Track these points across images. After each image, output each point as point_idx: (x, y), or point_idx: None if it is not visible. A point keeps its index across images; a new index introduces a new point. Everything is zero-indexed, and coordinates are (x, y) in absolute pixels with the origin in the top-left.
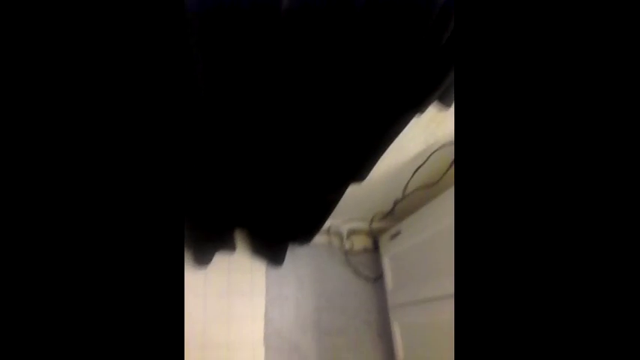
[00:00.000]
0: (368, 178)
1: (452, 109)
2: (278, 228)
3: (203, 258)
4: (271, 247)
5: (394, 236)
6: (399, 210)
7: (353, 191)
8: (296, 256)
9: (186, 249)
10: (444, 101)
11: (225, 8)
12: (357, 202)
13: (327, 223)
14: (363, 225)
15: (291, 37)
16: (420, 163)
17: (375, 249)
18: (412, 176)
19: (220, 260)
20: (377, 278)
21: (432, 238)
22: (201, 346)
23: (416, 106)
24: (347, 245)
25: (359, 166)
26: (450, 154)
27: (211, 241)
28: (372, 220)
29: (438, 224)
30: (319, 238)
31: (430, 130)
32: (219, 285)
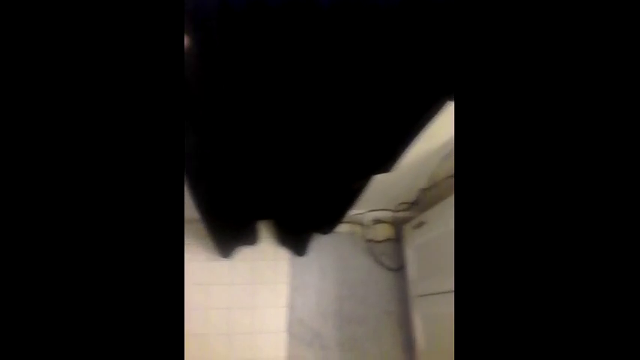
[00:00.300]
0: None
1: None
2: (301, 218)
3: (225, 250)
4: (295, 237)
5: (418, 226)
6: (425, 199)
7: (378, 180)
8: (319, 244)
9: (209, 240)
10: None
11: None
12: (382, 191)
13: (350, 212)
14: (386, 214)
15: (326, 25)
16: (449, 150)
17: (398, 239)
18: (440, 164)
19: (245, 249)
20: (399, 268)
21: None
22: (227, 333)
23: (451, 91)
24: (370, 234)
25: (387, 156)
26: None
27: (232, 233)
28: (396, 210)
29: None
30: (342, 227)
31: None
32: (244, 273)
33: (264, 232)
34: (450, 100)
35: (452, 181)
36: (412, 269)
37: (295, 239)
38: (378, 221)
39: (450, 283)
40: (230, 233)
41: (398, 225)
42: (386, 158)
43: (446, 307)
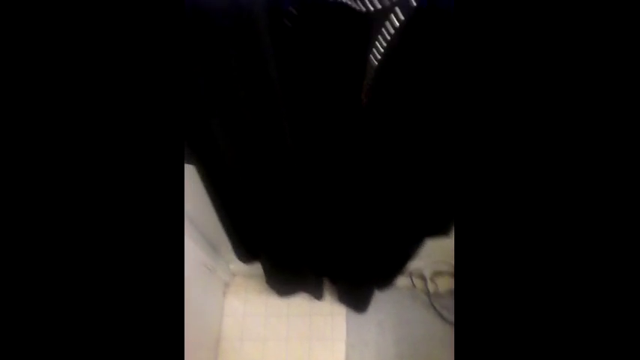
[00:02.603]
0: None
1: None
2: (362, 275)
3: (286, 291)
4: (356, 293)
5: None
6: None
7: None
8: (376, 300)
9: (269, 284)
10: None
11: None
12: (441, 245)
13: (409, 266)
14: (447, 266)
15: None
16: None
17: None
18: None
19: (302, 304)
20: None
21: None
22: None
23: None
24: (431, 288)
25: (446, 221)
26: None
27: (298, 283)
28: None
29: None
30: (400, 281)
31: None
32: (301, 328)
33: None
34: None
35: None
36: None
37: (356, 296)
38: (439, 273)
39: None
40: (293, 284)
41: None
42: (445, 223)
43: None
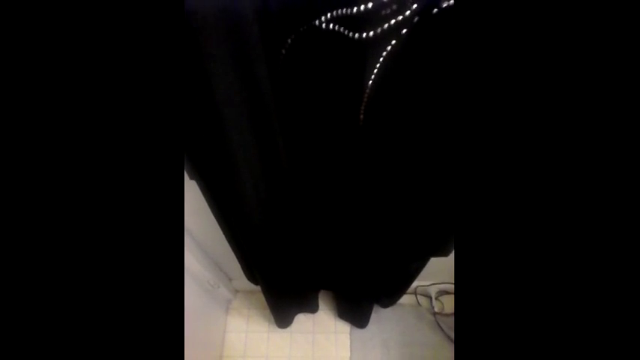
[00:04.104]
0: None
1: None
2: (360, 290)
3: (284, 320)
4: (355, 308)
5: None
6: None
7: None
8: (381, 317)
9: (269, 310)
10: None
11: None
12: (446, 265)
13: (414, 284)
14: (454, 286)
15: None
16: None
17: None
18: None
19: (305, 321)
20: None
21: None
22: None
23: None
24: (436, 307)
25: (446, 241)
26: None
27: (294, 303)
28: None
29: None
30: (406, 299)
31: None
32: (304, 346)
33: (324, 304)
34: None
35: None
36: None
37: (356, 312)
38: (445, 292)
39: None
40: (289, 305)
41: None
42: (445, 243)
43: None
